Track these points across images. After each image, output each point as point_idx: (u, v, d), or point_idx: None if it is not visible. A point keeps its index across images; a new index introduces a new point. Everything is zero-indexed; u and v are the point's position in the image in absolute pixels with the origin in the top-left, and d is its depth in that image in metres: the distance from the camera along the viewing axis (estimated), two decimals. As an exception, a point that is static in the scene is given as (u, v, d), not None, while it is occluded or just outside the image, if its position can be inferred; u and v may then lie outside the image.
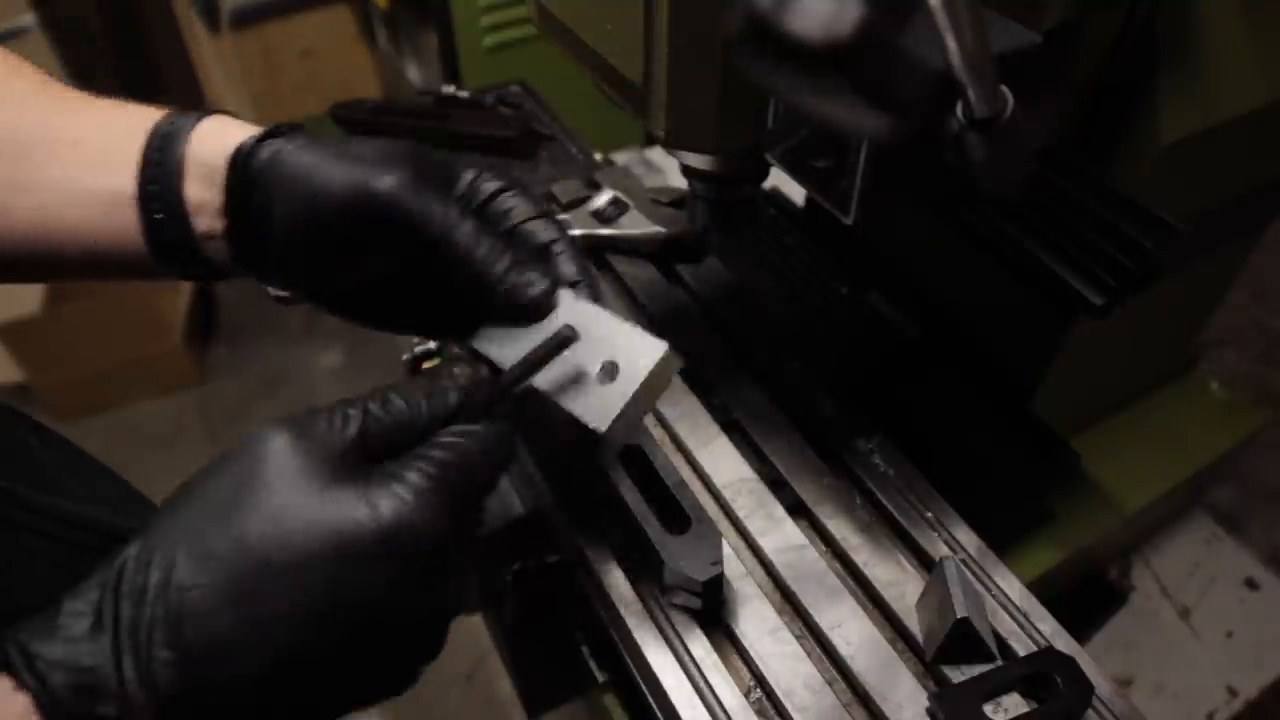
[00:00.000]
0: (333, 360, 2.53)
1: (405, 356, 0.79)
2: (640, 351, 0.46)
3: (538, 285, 0.48)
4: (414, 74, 2.00)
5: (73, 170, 0.52)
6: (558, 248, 0.51)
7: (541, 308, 0.49)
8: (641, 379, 0.45)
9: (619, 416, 0.45)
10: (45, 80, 0.56)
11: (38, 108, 0.54)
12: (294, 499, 0.38)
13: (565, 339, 0.45)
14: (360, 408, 0.41)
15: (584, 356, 0.47)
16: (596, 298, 0.50)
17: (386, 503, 0.38)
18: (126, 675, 0.35)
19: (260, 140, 0.50)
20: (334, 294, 0.55)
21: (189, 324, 2.48)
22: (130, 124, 0.53)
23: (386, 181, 0.48)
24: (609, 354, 0.46)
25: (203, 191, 0.51)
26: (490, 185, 0.52)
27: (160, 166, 0.51)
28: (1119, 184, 0.56)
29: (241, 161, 0.50)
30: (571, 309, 0.48)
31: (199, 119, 0.53)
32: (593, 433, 0.45)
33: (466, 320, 0.52)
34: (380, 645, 0.40)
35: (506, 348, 0.49)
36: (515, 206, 0.52)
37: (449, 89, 0.95)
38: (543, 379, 0.47)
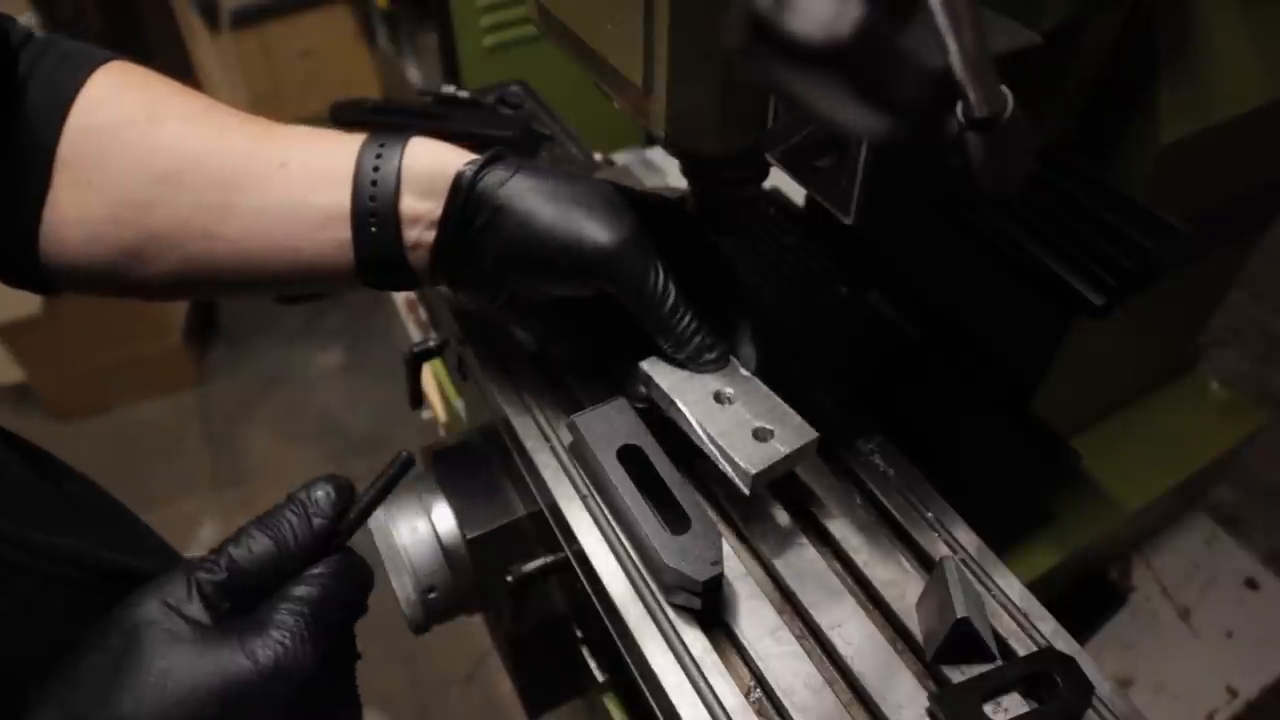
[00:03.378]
0: (333, 360, 2.54)
1: (405, 356, 0.79)
2: (793, 428, 0.53)
3: (715, 353, 0.56)
4: (414, 74, 2.00)
5: (284, 193, 0.55)
6: (741, 327, 0.58)
7: (710, 368, 0.56)
8: (795, 447, 0.52)
9: (764, 471, 0.51)
10: (244, 115, 0.58)
11: (242, 136, 0.56)
12: (174, 662, 0.39)
13: (406, 464, 0.48)
14: (222, 555, 0.43)
15: (741, 416, 0.54)
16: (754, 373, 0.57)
17: (264, 649, 0.39)
18: None
19: (484, 165, 0.55)
20: (524, 304, 0.61)
21: (189, 324, 2.48)
22: (335, 147, 0.57)
23: (604, 239, 0.53)
24: (765, 422, 0.53)
25: (417, 204, 0.55)
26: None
27: (379, 184, 0.55)
28: (1119, 184, 0.56)
29: (467, 183, 0.55)
30: (735, 374, 0.56)
31: (407, 138, 0.57)
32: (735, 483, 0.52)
33: (632, 341, 0.58)
34: None
35: (666, 377, 0.56)
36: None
37: (449, 89, 0.95)
38: (709, 425, 0.53)
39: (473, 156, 0.56)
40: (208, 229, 0.54)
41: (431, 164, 0.55)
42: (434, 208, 0.55)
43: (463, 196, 0.54)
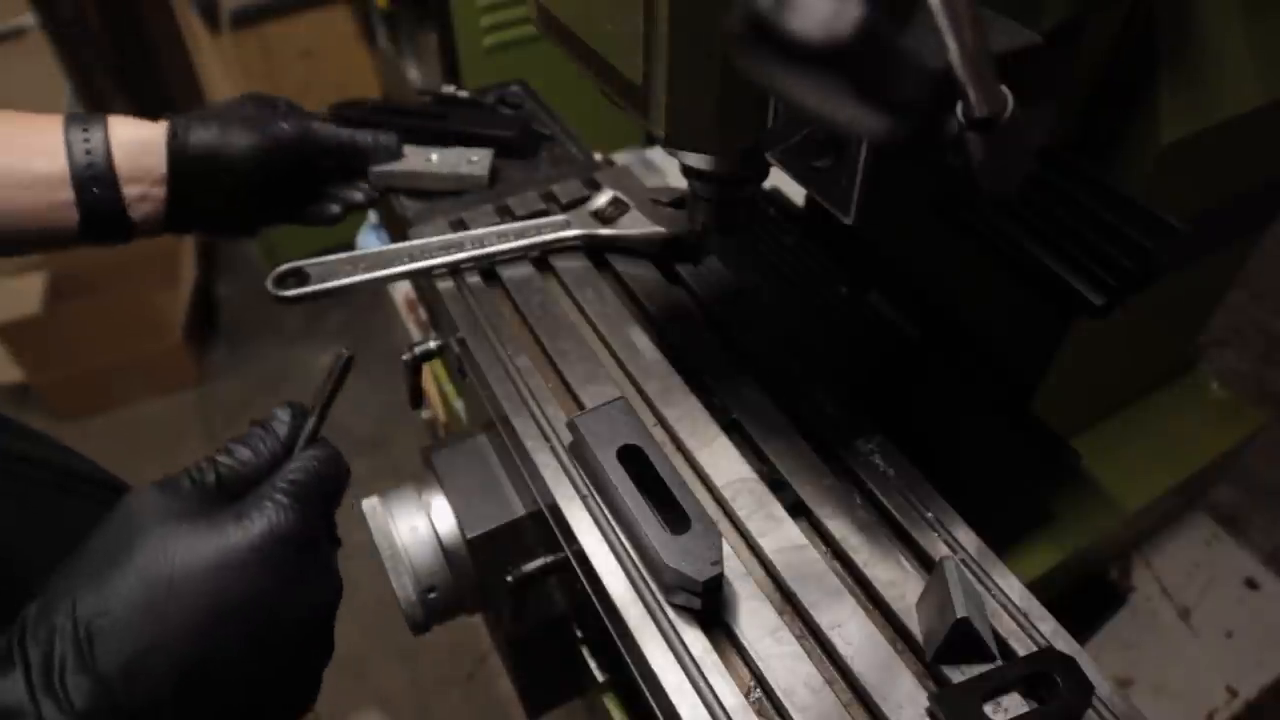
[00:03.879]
0: (332, 360, 2.53)
1: (405, 356, 0.79)
2: None
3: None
4: (414, 74, 2.00)
5: (3, 162, 0.65)
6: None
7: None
8: None
9: None
10: None
11: None
12: (176, 530, 0.43)
13: (348, 362, 0.53)
14: (210, 460, 0.48)
15: None
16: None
17: (257, 516, 0.44)
18: (44, 707, 0.38)
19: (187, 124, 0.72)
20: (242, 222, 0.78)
21: (189, 324, 2.48)
22: (40, 123, 0.68)
23: (287, 129, 0.76)
24: None
25: (132, 166, 0.69)
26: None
27: (92, 153, 0.67)
28: (1119, 184, 0.56)
29: (179, 142, 0.71)
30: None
31: (105, 116, 0.70)
32: None
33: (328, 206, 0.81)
34: (276, 642, 0.45)
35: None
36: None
37: (449, 89, 0.95)
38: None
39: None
40: None
41: (137, 133, 0.70)
42: (152, 167, 0.70)
43: (175, 151, 0.70)
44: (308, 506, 0.46)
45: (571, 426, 0.56)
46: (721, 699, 0.47)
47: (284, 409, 0.52)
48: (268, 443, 0.50)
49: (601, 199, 0.77)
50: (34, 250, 0.74)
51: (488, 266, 0.74)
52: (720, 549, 0.50)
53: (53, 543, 0.53)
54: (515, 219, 0.79)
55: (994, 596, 0.53)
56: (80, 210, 0.68)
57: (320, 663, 0.50)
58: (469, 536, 0.65)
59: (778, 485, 0.58)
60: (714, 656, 0.49)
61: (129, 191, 0.69)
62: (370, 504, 0.68)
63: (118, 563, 0.41)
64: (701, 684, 0.48)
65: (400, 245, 0.73)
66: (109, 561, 0.42)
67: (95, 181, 0.67)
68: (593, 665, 0.67)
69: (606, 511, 0.55)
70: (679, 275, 0.75)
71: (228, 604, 0.42)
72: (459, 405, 0.99)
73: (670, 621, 0.50)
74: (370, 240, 1.60)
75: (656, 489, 0.53)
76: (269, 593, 0.43)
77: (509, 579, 0.62)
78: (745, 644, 0.50)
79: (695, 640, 0.50)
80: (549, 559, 0.61)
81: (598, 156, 0.90)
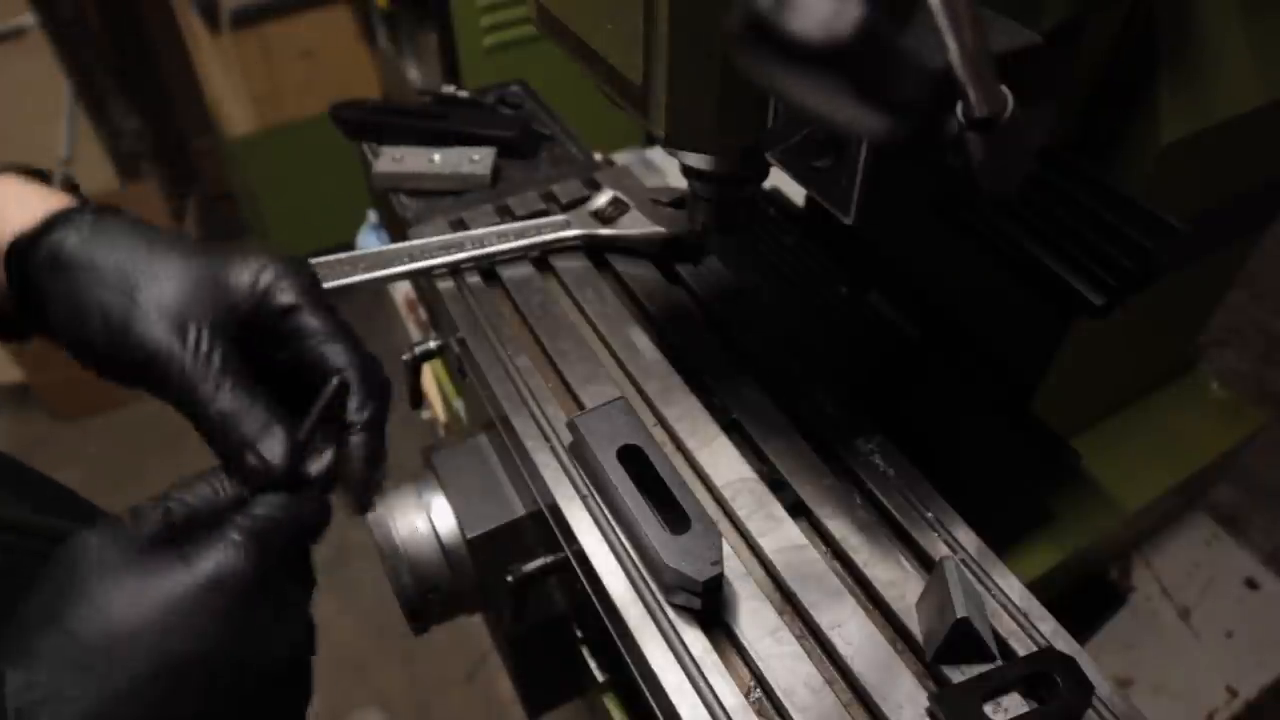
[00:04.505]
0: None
1: (405, 356, 0.79)
2: None
3: (265, 457, 0.44)
4: (414, 74, 2.00)
5: None
6: (349, 376, 0.48)
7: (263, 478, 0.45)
8: None
9: None
10: None
11: None
12: (115, 579, 0.38)
13: (342, 386, 0.47)
14: (161, 500, 0.42)
15: None
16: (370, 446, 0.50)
17: (205, 556, 0.39)
18: None
19: (33, 242, 0.47)
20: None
21: (189, 324, 2.48)
22: None
23: (141, 332, 0.45)
24: None
25: None
26: (284, 300, 0.48)
27: None
28: (1119, 184, 0.56)
29: (17, 264, 0.48)
30: None
31: None
32: None
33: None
34: (239, 696, 0.40)
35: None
36: (304, 325, 0.48)
37: (449, 89, 0.95)
38: None
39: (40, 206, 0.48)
40: None
41: None
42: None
43: (18, 272, 0.48)
44: (266, 545, 0.41)
45: (571, 426, 0.56)
46: (721, 699, 0.47)
47: (266, 439, 0.44)
48: (230, 481, 0.44)
49: (601, 199, 0.77)
50: None
51: (488, 266, 0.74)
52: (720, 549, 0.50)
53: None
54: (515, 219, 0.79)
55: (994, 596, 0.52)
56: None
57: (297, 710, 0.45)
58: (469, 536, 0.65)
59: (778, 485, 0.58)
60: (714, 656, 0.49)
61: None
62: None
63: (48, 624, 0.37)
64: (701, 684, 0.48)
65: (400, 245, 0.73)
66: (39, 624, 0.37)
67: None
68: (593, 665, 0.67)
69: (606, 511, 0.55)
70: (679, 275, 0.75)
71: (177, 658, 0.37)
72: (459, 405, 0.99)
73: (670, 621, 0.50)
74: (370, 240, 1.60)
75: (656, 489, 0.53)
76: (224, 643, 0.39)
77: (509, 579, 0.62)
78: (745, 644, 0.50)
79: (695, 640, 0.50)
80: (549, 559, 0.61)
81: (598, 156, 0.90)
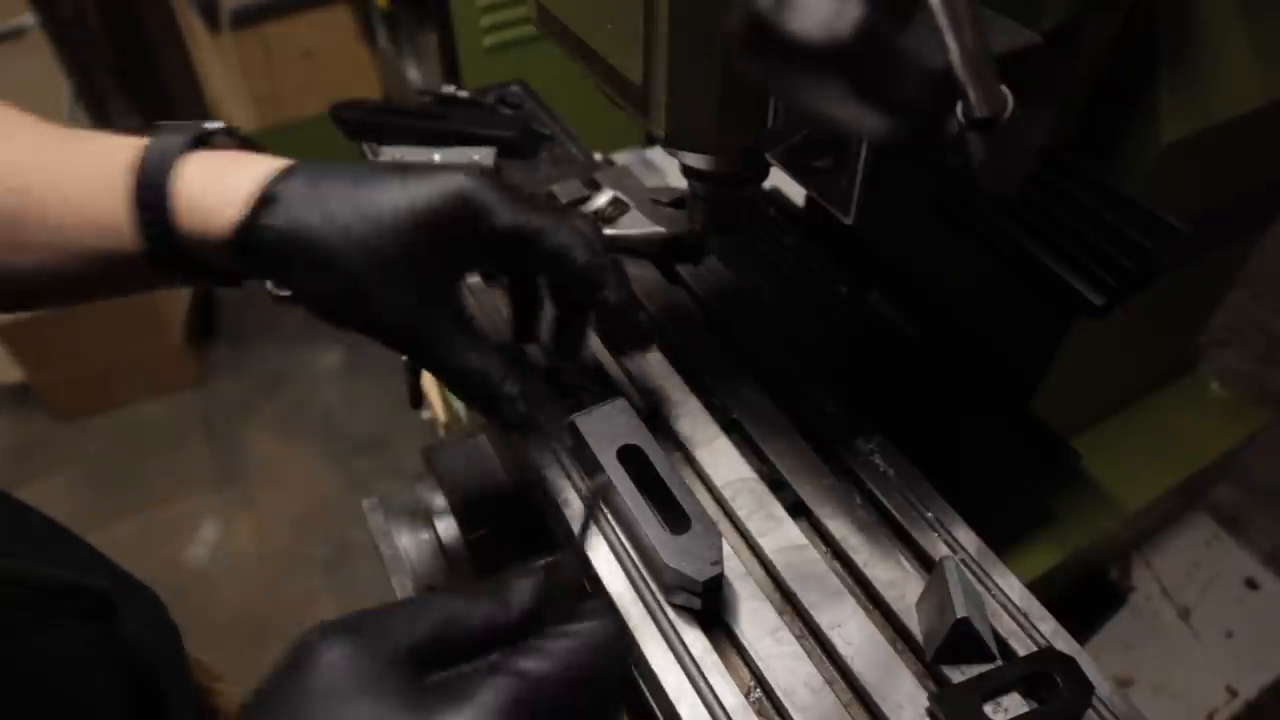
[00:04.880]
0: (333, 360, 2.53)
1: (405, 357, 0.79)
2: None
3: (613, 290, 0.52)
4: (414, 74, 2.00)
5: (71, 234, 0.51)
6: (582, 266, 0.52)
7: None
8: None
9: None
10: (20, 125, 0.54)
11: (10, 157, 0.52)
12: (365, 712, 0.33)
13: (605, 486, 0.51)
14: (411, 610, 0.37)
15: None
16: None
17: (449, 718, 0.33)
18: None
19: (254, 214, 0.49)
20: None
21: (189, 324, 2.48)
22: (107, 178, 0.51)
23: (373, 311, 0.50)
24: None
25: (210, 228, 0.50)
26: (497, 222, 0.50)
27: (156, 223, 0.50)
28: (1119, 184, 0.56)
29: (244, 234, 0.49)
30: None
31: (176, 162, 0.50)
32: None
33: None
34: None
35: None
36: (520, 236, 0.51)
37: (449, 89, 0.95)
38: None
39: (248, 183, 0.49)
40: (6, 261, 0.52)
41: (204, 208, 0.49)
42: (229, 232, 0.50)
43: (248, 241, 0.49)
44: (525, 713, 0.34)
45: (571, 426, 0.56)
46: (721, 699, 0.47)
47: (527, 575, 0.39)
48: (502, 604, 0.38)
49: (601, 199, 0.77)
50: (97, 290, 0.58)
51: (488, 266, 0.74)
52: (720, 549, 0.50)
53: (31, 681, 0.45)
54: (515, 219, 0.79)
55: (994, 596, 0.52)
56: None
57: None
58: (469, 537, 0.65)
59: (778, 485, 0.58)
60: (714, 656, 0.49)
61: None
62: (370, 504, 0.68)
63: None
64: (701, 684, 0.48)
65: (400, 245, 0.73)
66: None
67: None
68: (593, 665, 0.67)
69: (607, 511, 0.55)
70: (679, 275, 0.75)
71: None
72: (459, 405, 0.99)
73: (670, 621, 0.50)
74: (370, 240, 1.59)
75: (656, 489, 0.53)
76: None
77: (509, 579, 0.62)
78: (745, 644, 0.50)
79: (695, 640, 0.50)
80: (549, 559, 0.61)
81: (598, 156, 0.90)
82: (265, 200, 0.49)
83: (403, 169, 0.51)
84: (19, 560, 0.51)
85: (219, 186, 0.50)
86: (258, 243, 0.49)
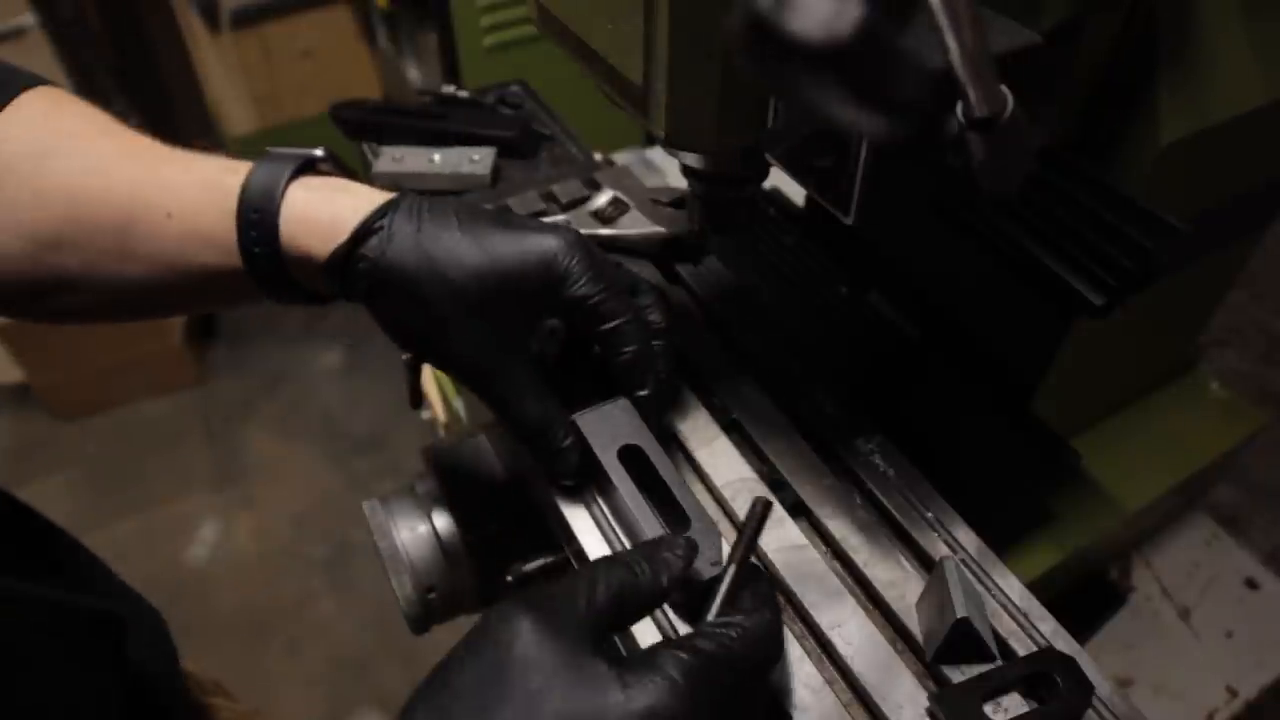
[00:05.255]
0: (333, 360, 2.53)
1: (405, 356, 0.79)
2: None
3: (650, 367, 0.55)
4: (414, 74, 2.00)
5: (176, 246, 0.54)
6: (627, 359, 0.54)
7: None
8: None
9: None
10: (132, 145, 0.57)
11: (129, 176, 0.55)
12: (546, 685, 0.37)
13: (766, 506, 0.48)
14: (592, 579, 0.42)
15: None
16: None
17: (641, 692, 0.38)
18: None
19: (355, 243, 0.51)
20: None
21: (189, 324, 2.48)
22: (213, 202, 0.54)
23: (454, 352, 0.52)
24: None
25: (311, 251, 0.53)
26: (577, 292, 0.53)
27: (259, 246, 0.53)
28: (1119, 184, 0.56)
29: (343, 265, 0.52)
30: None
31: (282, 193, 0.53)
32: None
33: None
34: None
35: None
36: (596, 313, 0.53)
37: (449, 89, 0.95)
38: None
39: (352, 211, 0.52)
40: (113, 271, 0.55)
41: (311, 234, 0.53)
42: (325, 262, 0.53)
43: (349, 272, 0.52)
44: (703, 690, 0.39)
45: (572, 425, 0.56)
46: (721, 699, 0.47)
47: (684, 540, 0.45)
48: (654, 573, 0.43)
49: (601, 199, 0.77)
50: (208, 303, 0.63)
51: (488, 266, 0.74)
52: (720, 548, 0.50)
53: (35, 699, 0.48)
54: (515, 219, 0.79)
55: (994, 596, 0.53)
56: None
57: None
58: (469, 537, 0.65)
59: (778, 485, 0.58)
60: (714, 656, 0.49)
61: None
62: (370, 504, 0.68)
63: (478, 714, 0.37)
64: (701, 684, 0.48)
65: (400, 245, 0.73)
66: (468, 711, 0.37)
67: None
68: (593, 665, 0.67)
69: (607, 511, 0.55)
70: (679, 275, 0.75)
71: None
72: (459, 405, 0.99)
73: (670, 622, 0.50)
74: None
75: (656, 489, 0.53)
76: None
77: (509, 579, 0.62)
78: (745, 644, 0.50)
79: (695, 640, 0.50)
80: (549, 559, 0.61)
81: (598, 156, 0.90)
82: (366, 233, 0.51)
83: (503, 220, 0.53)
84: (27, 578, 0.53)
85: (323, 213, 0.53)
86: (354, 272, 0.52)
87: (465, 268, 0.51)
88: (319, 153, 0.57)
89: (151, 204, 0.54)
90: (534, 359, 0.55)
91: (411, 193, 0.54)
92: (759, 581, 0.47)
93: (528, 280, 0.52)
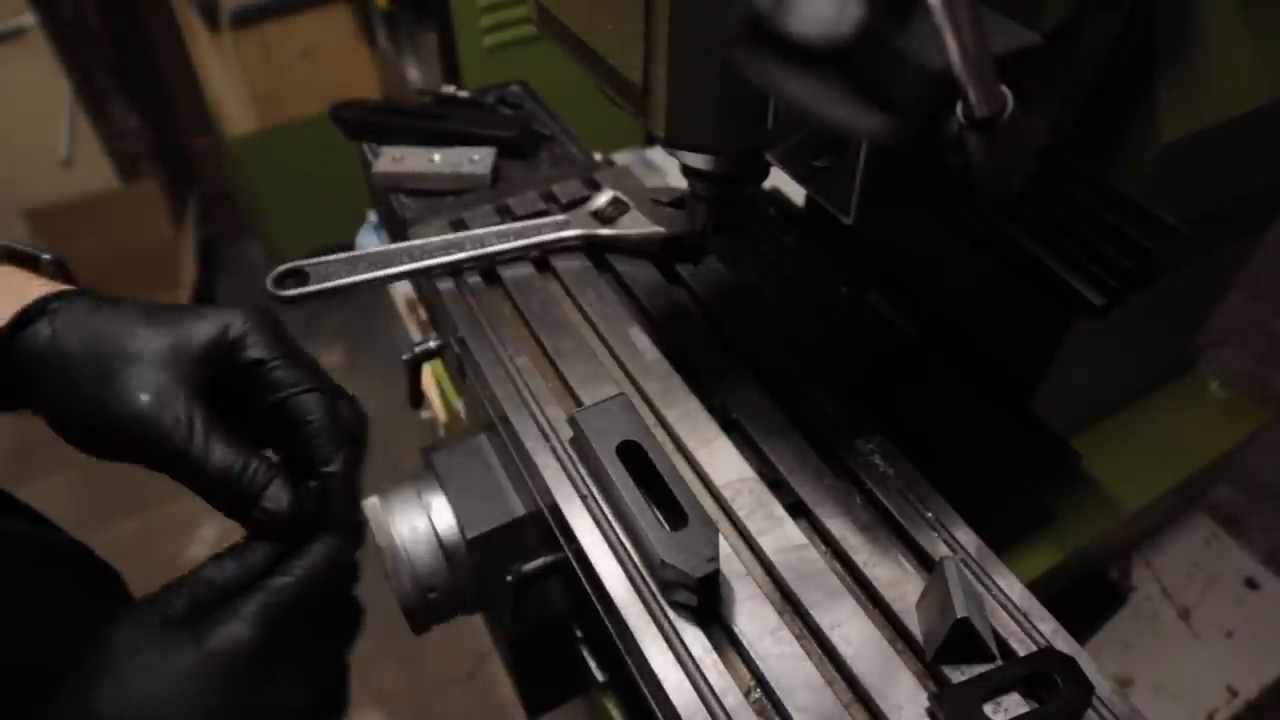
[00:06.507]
0: (333, 360, 2.53)
1: (405, 356, 0.79)
2: None
3: (275, 504, 0.47)
4: (414, 74, 2.00)
5: None
6: (318, 427, 0.49)
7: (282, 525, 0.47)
8: None
9: None
10: None
11: None
12: (135, 658, 0.41)
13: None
14: (187, 578, 0.45)
15: None
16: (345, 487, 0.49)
17: (210, 633, 0.42)
18: None
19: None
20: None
21: (189, 324, 2.47)
22: None
23: (118, 411, 0.46)
24: None
25: None
26: (252, 354, 0.49)
27: None
28: (1119, 184, 0.56)
29: None
30: None
31: None
32: None
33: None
34: None
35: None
36: (274, 379, 0.49)
37: (449, 89, 0.95)
38: None
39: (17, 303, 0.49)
40: None
41: None
42: None
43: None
44: (272, 611, 0.43)
45: (572, 421, 0.56)
46: (721, 699, 0.47)
47: (269, 489, 0.47)
48: (253, 554, 0.46)
49: (601, 199, 0.77)
50: None
51: (488, 266, 0.74)
52: (717, 545, 0.50)
53: (36, 619, 0.50)
54: (515, 219, 0.79)
55: (994, 596, 0.53)
56: None
57: None
58: (469, 536, 0.65)
59: (778, 485, 0.58)
60: (714, 656, 0.49)
61: None
62: (370, 504, 0.68)
63: (78, 705, 0.41)
64: (701, 684, 0.48)
65: (400, 245, 0.73)
66: (71, 706, 0.41)
67: None
68: (593, 665, 0.67)
69: (606, 509, 0.55)
70: (679, 275, 0.75)
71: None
72: (459, 405, 0.99)
73: (670, 621, 0.50)
74: (370, 240, 1.60)
75: (655, 486, 0.53)
76: (232, 714, 0.42)
77: (509, 579, 0.62)
78: (745, 644, 0.50)
79: (695, 640, 0.50)
80: (549, 559, 0.61)
81: (598, 156, 0.90)
82: (31, 315, 0.48)
83: (176, 308, 0.50)
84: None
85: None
86: (15, 354, 0.48)
87: (138, 335, 0.48)
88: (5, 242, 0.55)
89: None
90: (222, 423, 0.48)
91: (74, 289, 0.51)
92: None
93: (199, 338, 0.48)
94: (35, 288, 0.51)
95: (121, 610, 0.43)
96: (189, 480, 0.47)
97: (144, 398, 0.46)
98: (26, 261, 0.55)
